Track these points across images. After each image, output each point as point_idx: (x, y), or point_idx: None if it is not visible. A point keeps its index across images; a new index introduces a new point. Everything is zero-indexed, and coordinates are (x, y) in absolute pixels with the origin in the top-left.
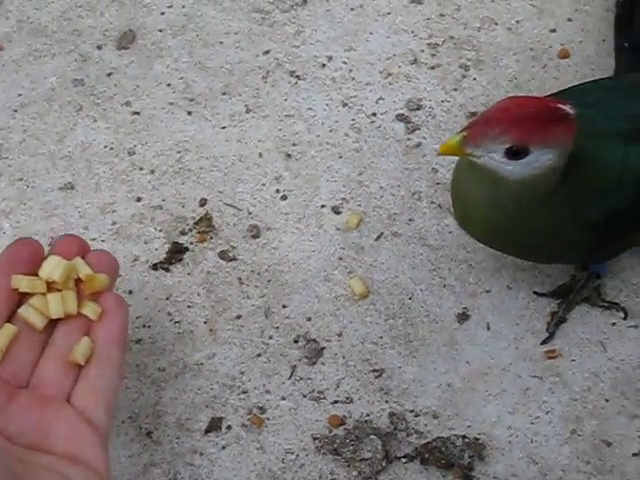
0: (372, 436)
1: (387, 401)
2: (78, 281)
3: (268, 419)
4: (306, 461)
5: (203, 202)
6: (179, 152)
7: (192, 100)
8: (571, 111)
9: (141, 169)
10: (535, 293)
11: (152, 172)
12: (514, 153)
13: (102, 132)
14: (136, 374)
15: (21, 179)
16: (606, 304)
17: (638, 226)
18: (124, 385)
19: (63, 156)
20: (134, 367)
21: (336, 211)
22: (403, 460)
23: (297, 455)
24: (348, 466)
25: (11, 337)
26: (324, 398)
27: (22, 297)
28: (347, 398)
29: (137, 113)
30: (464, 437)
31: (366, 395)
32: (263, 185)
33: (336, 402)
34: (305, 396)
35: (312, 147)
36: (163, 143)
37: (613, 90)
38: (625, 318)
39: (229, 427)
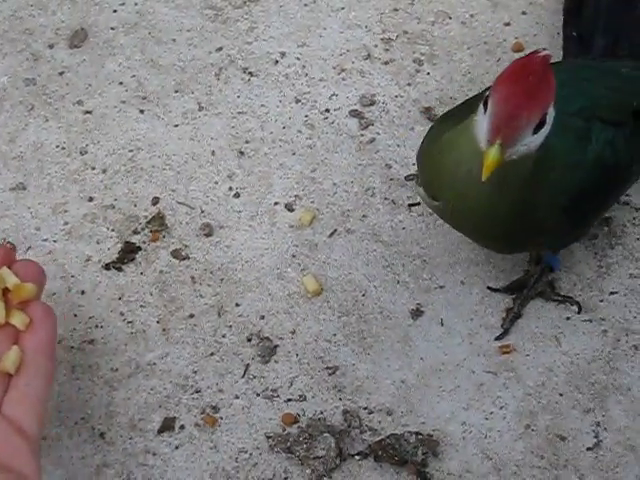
0: (326, 434)
1: (341, 399)
2: (5, 291)
3: (221, 418)
4: (260, 460)
5: (155, 201)
6: (131, 151)
7: (144, 98)
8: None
9: (93, 168)
10: (489, 288)
11: (104, 171)
12: (539, 125)
13: (54, 132)
14: (89, 375)
15: None
16: (560, 298)
17: (605, 206)
18: (77, 386)
19: (14, 156)
20: (86, 367)
21: (289, 208)
22: (357, 457)
23: (250, 454)
24: (302, 464)
25: None
26: (277, 396)
27: None
28: (300, 396)
29: (89, 112)
30: (418, 434)
31: (320, 393)
32: (216, 183)
33: (289, 400)
34: (258, 395)
35: (265, 144)
36: (115, 142)
37: (582, 69)
38: (579, 312)
39: (182, 427)
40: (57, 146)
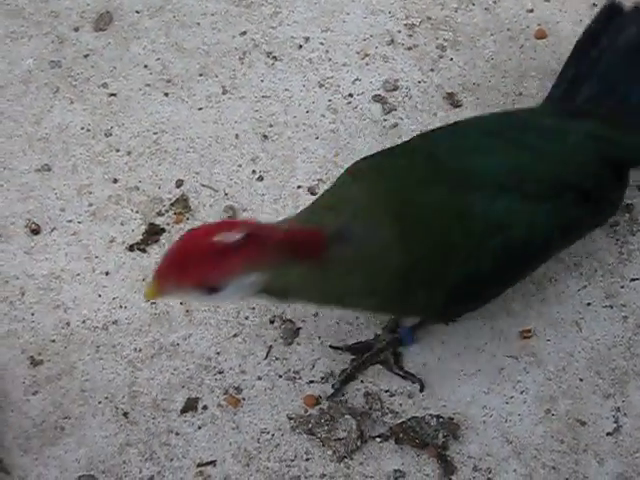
0: (347, 416)
1: (362, 381)
2: None
3: (244, 399)
4: (281, 441)
5: (180, 183)
6: (156, 133)
7: (169, 81)
8: (237, 237)
9: (118, 150)
10: (331, 347)
11: (129, 154)
12: (211, 290)
13: (79, 114)
14: (112, 355)
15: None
16: (402, 373)
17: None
18: (100, 366)
19: (40, 138)
20: (110, 348)
21: (312, 192)
22: (378, 440)
23: (273, 435)
24: (323, 445)
25: None
26: (300, 378)
27: None
28: (322, 378)
29: (114, 95)
30: (439, 417)
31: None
32: (239, 166)
33: (312, 382)
34: (281, 376)
35: (288, 128)
36: (140, 124)
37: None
38: (422, 390)
39: (205, 407)
40: (82, 128)
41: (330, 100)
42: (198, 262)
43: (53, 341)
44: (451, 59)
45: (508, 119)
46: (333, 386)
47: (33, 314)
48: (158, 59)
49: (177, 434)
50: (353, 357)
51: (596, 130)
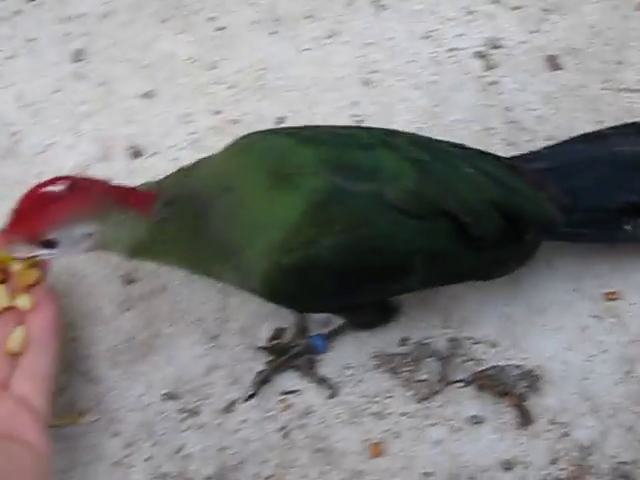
0: (430, 359)
1: (448, 327)
2: (9, 275)
3: None
4: (364, 377)
5: (280, 120)
6: (260, 70)
7: (276, 20)
8: (60, 187)
9: (222, 83)
10: (258, 348)
11: (232, 87)
12: (47, 245)
13: (185, 45)
14: (204, 279)
15: (104, 84)
16: (315, 379)
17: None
18: (192, 290)
19: (146, 65)
20: None
21: None
22: (459, 384)
23: (356, 370)
24: (405, 385)
25: None
26: (386, 323)
27: None
28: (409, 319)
29: (221, 29)
30: (520, 368)
31: (428, 319)
32: (339, 108)
33: (398, 323)
34: None
35: (390, 76)
36: (244, 60)
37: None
38: (332, 397)
39: (293, 338)
40: (188, 59)
41: (433, 52)
42: (27, 217)
43: None
44: (554, 22)
45: (412, 135)
46: (248, 389)
47: None
48: None
49: (267, 360)
50: (270, 359)
51: (498, 173)
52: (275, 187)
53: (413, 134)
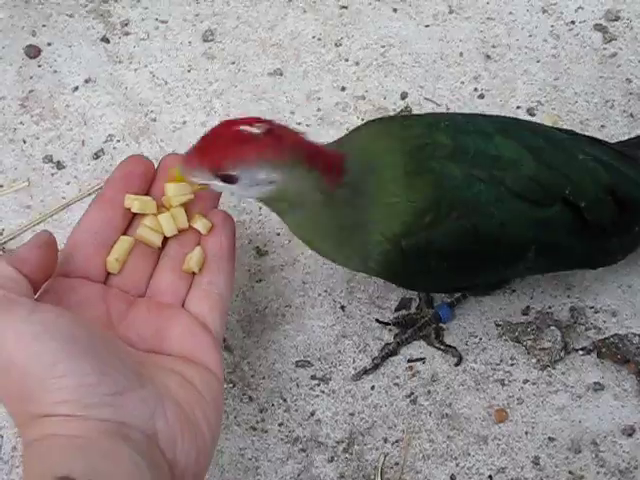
0: (552, 327)
1: (569, 296)
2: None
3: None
4: (488, 345)
5: (404, 95)
6: (383, 47)
7: None
8: (258, 130)
9: (346, 60)
10: (377, 321)
11: (357, 64)
12: (226, 180)
13: (311, 23)
14: None
15: (233, 63)
16: (443, 347)
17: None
18: (321, 261)
19: (273, 44)
20: None
21: (531, 113)
22: (580, 352)
23: (480, 339)
24: (528, 353)
25: (128, 249)
26: (509, 288)
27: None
28: (531, 290)
29: (345, 7)
30: None
31: (549, 289)
32: (462, 83)
33: (520, 292)
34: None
35: (511, 50)
36: (368, 37)
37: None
38: (458, 364)
39: (419, 307)
40: (313, 37)
41: (552, 26)
42: (216, 148)
43: (278, 234)
44: None
45: (519, 121)
46: (373, 360)
47: (260, 208)
48: None
49: (390, 330)
50: (397, 332)
51: (611, 160)
52: (412, 172)
53: (526, 121)
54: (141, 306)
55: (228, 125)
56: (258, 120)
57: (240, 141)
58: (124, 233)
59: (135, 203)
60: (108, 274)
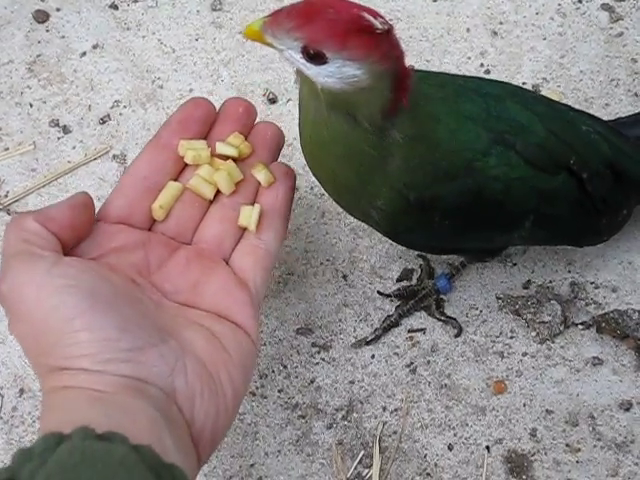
0: (553, 301)
1: (570, 271)
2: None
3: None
4: (489, 317)
5: (411, 68)
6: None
7: None
8: (380, 25)
9: None
10: (379, 293)
11: None
12: (311, 56)
13: None
14: (336, 221)
15: (241, 32)
16: (444, 318)
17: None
18: (324, 230)
19: None
20: (335, 215)
21: (536, 89)
22: (580, 327)
23: (480, 311)
24: (527, 326)
25: (176, 196)
26: (510, 261)
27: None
28: (533, 264)
29: None
30: None
31: (550, 263)
32: (468, 58)
33: (522, 266)
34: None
35: (518, 27)
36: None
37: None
38: (458, 335)
39: (420, 279)
40: None
41: (560, 4)
42: (327, 23)
43: None
44: None
45: (522, 89)
46: (375, 331)
47: None
48: None
49: (391, 300)
50: (398, 304)
51: (609, 135)
52: (452, 129)
53: (529, 90)
54: (181, 257)
55: (348, 6)
56: (381, 16)
57: (357, 27)
58: (176, 179)
59: (188, 153)
60: (154, 221)
